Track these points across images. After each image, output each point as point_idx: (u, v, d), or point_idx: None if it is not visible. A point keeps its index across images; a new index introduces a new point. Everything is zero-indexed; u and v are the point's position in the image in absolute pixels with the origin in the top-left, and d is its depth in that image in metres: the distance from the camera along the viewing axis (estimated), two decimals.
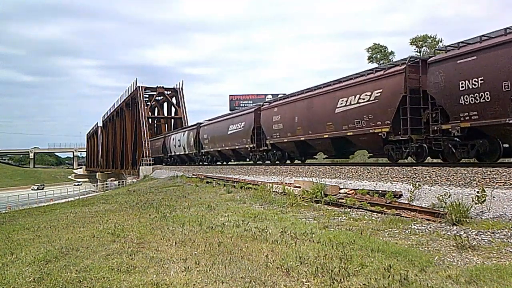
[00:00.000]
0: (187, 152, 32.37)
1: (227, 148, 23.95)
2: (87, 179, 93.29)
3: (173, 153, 36.82)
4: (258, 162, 21.60)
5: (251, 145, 20.59)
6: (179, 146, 34.24)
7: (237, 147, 22.48)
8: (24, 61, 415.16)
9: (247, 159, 23.90)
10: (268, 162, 20.47)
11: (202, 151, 28.60)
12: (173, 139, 36.40)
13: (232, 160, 26.94)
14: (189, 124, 41.56)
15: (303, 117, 16.04)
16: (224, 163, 27.92)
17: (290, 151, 18.53)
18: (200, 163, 30.48)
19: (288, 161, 19.79)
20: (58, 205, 16.03)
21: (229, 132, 23.29)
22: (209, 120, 29.42)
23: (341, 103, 13.57)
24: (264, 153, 20.30)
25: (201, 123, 29.77)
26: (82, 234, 6.92)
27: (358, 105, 12.82)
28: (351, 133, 13.21)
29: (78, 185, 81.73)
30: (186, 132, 32.71)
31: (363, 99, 12.59)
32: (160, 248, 5.58)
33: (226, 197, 11.75)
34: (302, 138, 16.11)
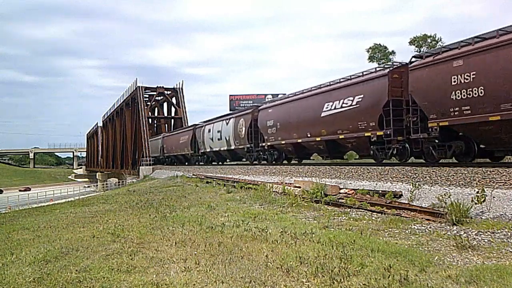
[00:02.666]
0: (233, 147, 23.53)
1: (317, 138, 15.27)
2: (86, 179, 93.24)
3: (208, 149, 27.72)
4: (388, 162, 13.17)
5: (378, 133, 12.38)
6: (220, 139, 25.36)
7: (339, 136, 13.95)
8: (25, 61, 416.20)
9: (361, 155, 15.53)
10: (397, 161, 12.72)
11: (264, 144, 19.98)
12: (209, 131, 27.26)
13: (322, 158, 17.36)
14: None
15: None
16: (293, 161, 19.72)
17: (493, 139, 9.61)
18: (256, 162, 21.67)
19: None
20: (58, 205, 16.03)
21: (324, 114, 14.65)
22: (272, 101, 21.13)
23: None
24: (412, 145, 11.83)
25: (259, 105, 21.74)
26: (82, 234, 6.93)
27: None
28: None
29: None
30: (233, 120, 23.54)
31: None
32: (160, 248, 5.58)
33: (226, 197, 11.75)
34: None
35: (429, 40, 36.35)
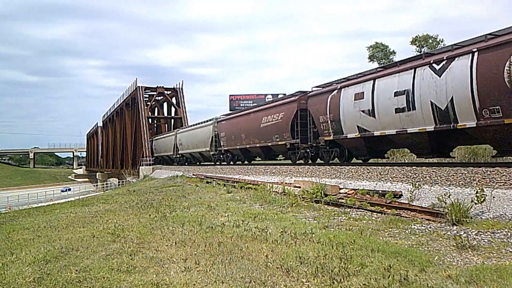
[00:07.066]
0: (471, 124, 9.26)
1: None
2: (86, 179, 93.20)
3: (352, 135, 13.40)
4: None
5: None
6: (402, 110, 11.13)
7: None
8: (27, 61, 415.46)
9: None
10: None
11: None
12: (355, 99, 13.01)
13: None
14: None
15: None
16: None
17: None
18: None
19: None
20: (58, 205, 16.03)
21: None
22: None
23: None
24: None
25: None
26: (82, 234, 6.92)
27: None
28: None
29: None
30: (466, 60, 9.10)
31: None
32: (160, 248, 5.58)
33: (226, 197, 11.74)
34: None
35: (430, 41, 36.32)
